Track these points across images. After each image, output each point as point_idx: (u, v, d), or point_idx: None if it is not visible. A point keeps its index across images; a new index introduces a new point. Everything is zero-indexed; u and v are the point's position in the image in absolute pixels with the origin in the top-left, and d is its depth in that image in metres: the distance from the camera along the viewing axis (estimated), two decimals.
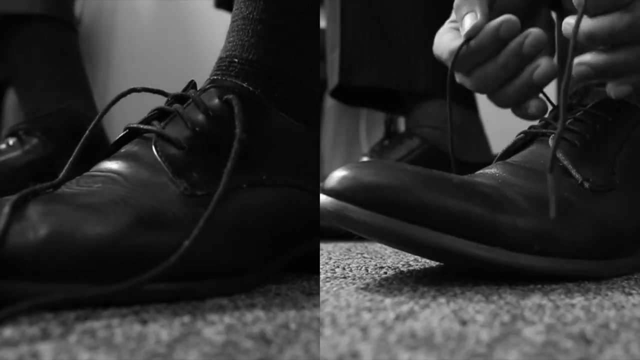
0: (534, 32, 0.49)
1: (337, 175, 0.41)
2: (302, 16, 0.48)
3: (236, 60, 0.47)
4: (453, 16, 0.55)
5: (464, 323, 0.32)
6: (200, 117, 0.43)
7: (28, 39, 0.85)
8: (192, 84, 0.46)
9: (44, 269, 0.34)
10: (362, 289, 0.41)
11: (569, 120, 0.49)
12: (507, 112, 0.54)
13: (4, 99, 1.06)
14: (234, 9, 0.49)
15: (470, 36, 0.49)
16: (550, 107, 0.53)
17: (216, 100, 0.44)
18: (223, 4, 0.95)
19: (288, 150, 0.46)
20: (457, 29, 0.53)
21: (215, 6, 1.01)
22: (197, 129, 0.43)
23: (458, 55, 0.50)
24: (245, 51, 0.47)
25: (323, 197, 0.42)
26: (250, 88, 0.46)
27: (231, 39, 0.48)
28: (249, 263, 0.42)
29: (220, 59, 0.48)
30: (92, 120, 0.90)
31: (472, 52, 0.50)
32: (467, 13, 0.50)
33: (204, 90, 0.45)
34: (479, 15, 0.49)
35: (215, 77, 0.46)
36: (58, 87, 0.85)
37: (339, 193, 0.40)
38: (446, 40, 0.53)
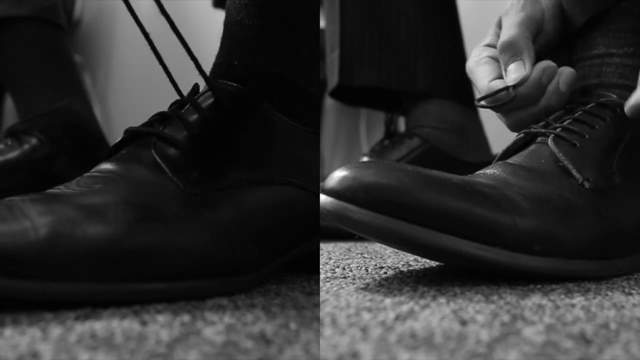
0: (566, 70, 0.51)
1: (337, 176, 0.41)
2: (297, 18, 0.48)
3: (232, 65, 0.47)
4: (487, 39, 0.56)
5: (464, 323, 0.32)
6: (197, 119, 0.44)
7: (17, 41, 0.85)
8: (196, 88, 0.47)
9: (44, 268, 0.35)
10: (362, 289, 0.41)
11: (568, 121, 0.49)
12: None
13: (3, 99, 1.06)
14: (225, 15, 0.49)
15: (516, 86, 0.51)
16: None
17: (212, 103, 0.44)
18: (221, 4, 0.96)
19: (287, 150, 0.46)
20: (495, 59, 0.54)
21: (214, 5, 1.01)
22: (195, 130, 0.43)
23: (500, 98, 0.51)
24: (240, 57, 0.47)
25: (323, 197, 0.42)
26: (247, 91, 0.46)
27: (225, 44, 0.48)
28: (249, 263, 0.42)
29: (216, 65, 0.48)
30: (89, 119, 0.90)
31: (517, 100, 0.51)
32: (513, 60, 0.51)
33: (201, 94, 0.46)
34: (527, 66, 0.51)
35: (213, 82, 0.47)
36: (51, 87, 0.85)
37: (339, 193, 0.40)
38: (484, 73, 0.54)
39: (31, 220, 0.35)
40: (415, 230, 0.39)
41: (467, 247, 0.40)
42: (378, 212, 0.39)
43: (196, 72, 0.44)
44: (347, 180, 0.40)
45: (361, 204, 0.40)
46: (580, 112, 0.49)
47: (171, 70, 0.46)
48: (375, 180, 0.40)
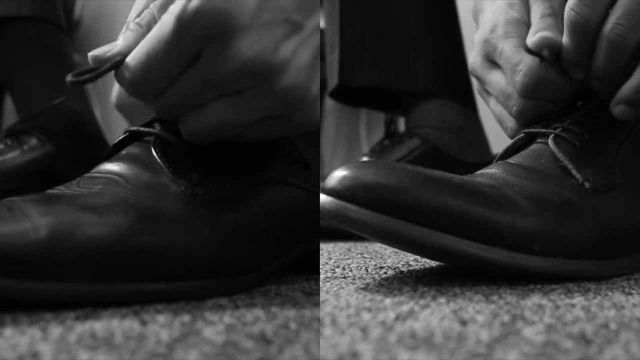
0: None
1: (337, 175, 0.41)
2: None
3: None
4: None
5: (464, 323, 0.32)
6: None
7: (17, 40, 0.85)
8: None
9: (44, 269, 0.35)
10: (362, 289, 0.41)
11: (568, 121, 0.49)
12: None
13: (3, 99, 1.06)
14: None
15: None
16: None
17: None
18: None
19: (287, 151, 0.46)
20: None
21: None
22: None
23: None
24: None
25: (323, 197, 0.42)
26: None
27: None
28: (249, 263, 0.42)
29: None
30: (88, 119, 0.89)
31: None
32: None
33: None
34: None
35: None
36: (51, 87, 0.85)
37: (339, 193, 0.40)
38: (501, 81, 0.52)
39: (31, 220, 0.35)
40: (415, 230, 0.39)
41: (467, 247, 0.40)
42: (378, 211, 0.39)
43: None
44: (347, 179, 0.40)
45: (361, 203, 0.40)
46: (580, 112, 0.49)
47: None
48: (375, 180, 0.40)
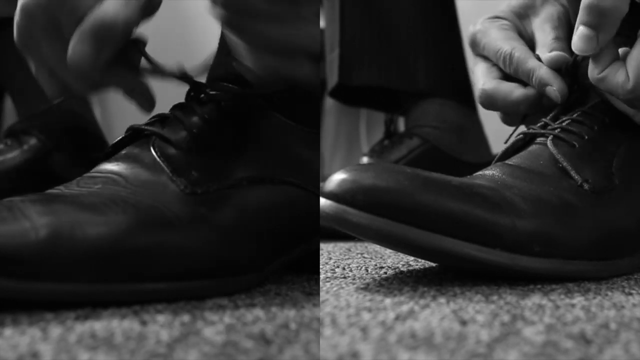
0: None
1: (336, 178, 0.41)
2: (297, 19, 0.48)
3: (231, 66, 0.47)
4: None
5: (464, 323, 0.32)
6: (196, 120, 0.44)
7: None
8: (196, 89, 0.47)
9: (45, 269, 0.35)
10: (362, 289, 0.41)
11: (567, 121, 0.49)
12: None
13: (3, 100, 1.06)
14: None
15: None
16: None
17: (212, 105, 0.44)
18: None
19: (287, 150, 0.46)
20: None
21: None
22: (194, 130, 0.43)
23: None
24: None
25: (322, 200, 0.42)
26: (246, 92, 0.46)
27: (224, 45, 0.48)
28: (249, 263, 0.42)
29: (215, 66, 0.48)
30: (88, 119, 0.89)
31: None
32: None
33: (201, 96, 0.46)
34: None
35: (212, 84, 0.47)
36: None
37: (339, 196, 0.40)
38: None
39: (31, 220, 0.35)
40: (415, 232, 0.39)
41: (467, 249, 0.40)
42: (377, 214, 0.39)
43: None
44: (346, 183, 0.40)
45: (360, 206, 0.40)
46: (579, 113, 0.49)
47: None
48: (374, 183, 0.40)
